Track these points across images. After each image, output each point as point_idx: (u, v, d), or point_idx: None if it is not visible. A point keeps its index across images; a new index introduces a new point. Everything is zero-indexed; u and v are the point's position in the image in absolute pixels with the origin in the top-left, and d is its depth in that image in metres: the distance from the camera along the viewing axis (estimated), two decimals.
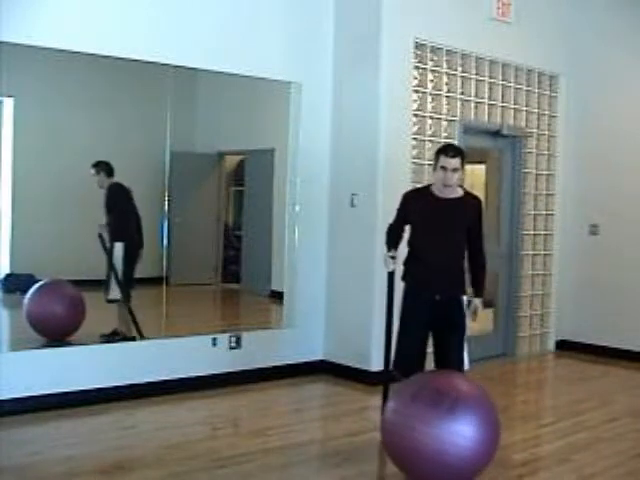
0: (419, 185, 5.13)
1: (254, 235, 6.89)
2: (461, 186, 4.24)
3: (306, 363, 5.85)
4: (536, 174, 7.04)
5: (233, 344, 5.49)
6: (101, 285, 5.57)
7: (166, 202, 5.57)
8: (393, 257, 4.20)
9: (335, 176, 5.91)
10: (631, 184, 6.87)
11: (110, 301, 5.48)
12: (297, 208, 5.83)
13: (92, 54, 4.77)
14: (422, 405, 3.45)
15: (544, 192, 7.12)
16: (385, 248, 4.29)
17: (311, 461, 4.10)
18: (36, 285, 5.25)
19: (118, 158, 5.81)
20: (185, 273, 6.25)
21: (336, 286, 5.89)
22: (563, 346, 7.18)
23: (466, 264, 4.26)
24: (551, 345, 7.22)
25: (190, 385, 5.20)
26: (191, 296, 6.52)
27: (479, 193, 8.11)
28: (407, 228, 4.27)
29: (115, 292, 5.44)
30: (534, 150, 7.00)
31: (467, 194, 4.20)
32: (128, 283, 5.55)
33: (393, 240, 4.28)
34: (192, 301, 6.56)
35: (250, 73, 5.49)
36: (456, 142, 5.99)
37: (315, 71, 5.84)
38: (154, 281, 5.57)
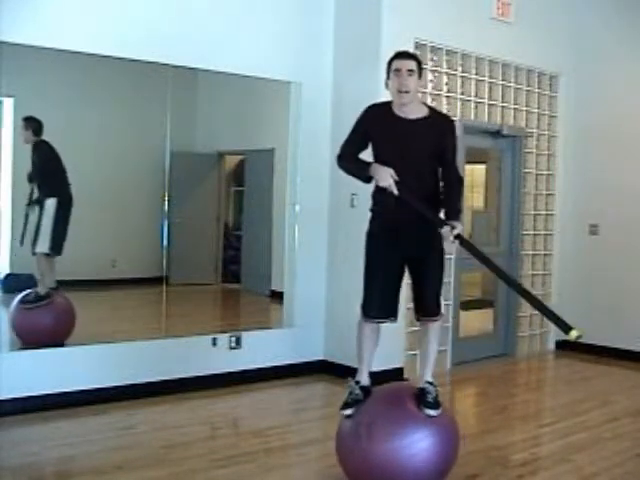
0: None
1: (254, 235, 6.89)
2: (425, 104, 3.72)
3: (306, 363, 5.85)
4: (536, 174, 7.05)
5: (233, 344, 5.49)
6: (101, 285, 5.57)
7: (166, 202, 5.57)
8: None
9: (335, 176, 5.90)
10: (631, 184, 6.87)
11: (35, 254, 5.25)
12: (297, 208, 5.83)
13: (92, 54, 4.77)
14: (351, 441, 3.47)
15: (544, 192, 7.13)
16: (363, 175, 3.56)
17: (311, 461, 4.10)
18: (19, 295, 5.16)
19: (118, 158, 5.82)
20: (185, 273, 6.24)
21: (336, 286, 5.89)
22: (563, 346, 7.17)
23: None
24: (551, 345, 7.22)
25: (190, 385, 5.20)
26: (191, 296, 6.52)
27: (479, 193, 8.21)
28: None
29: (43, 246, 5.26)
30: (534, 150, 7.00)
31: (434, 112, 3.62)
32: (60, 241, 5.27)
33: (356, 160, 3.58)
34: (192, 301, 6.55)
35: (250, 73, 5.49)
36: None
37: (315, 71, 5.84)
38: (154, 281, 5.58)
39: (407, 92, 3.45)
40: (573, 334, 3.08)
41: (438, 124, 3.56)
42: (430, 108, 3.63)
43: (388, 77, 3.53)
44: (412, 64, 3.48)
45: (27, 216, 5.22)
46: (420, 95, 5.84)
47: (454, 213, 3.55)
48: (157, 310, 5.68)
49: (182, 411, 4.85)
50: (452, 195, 3.60)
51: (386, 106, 3.56)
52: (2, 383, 4.43)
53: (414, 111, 3.51)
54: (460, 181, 3.67)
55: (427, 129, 3.51)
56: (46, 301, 5.18)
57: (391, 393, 3.74)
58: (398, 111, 3.51)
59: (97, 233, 5.66)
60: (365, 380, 3.63)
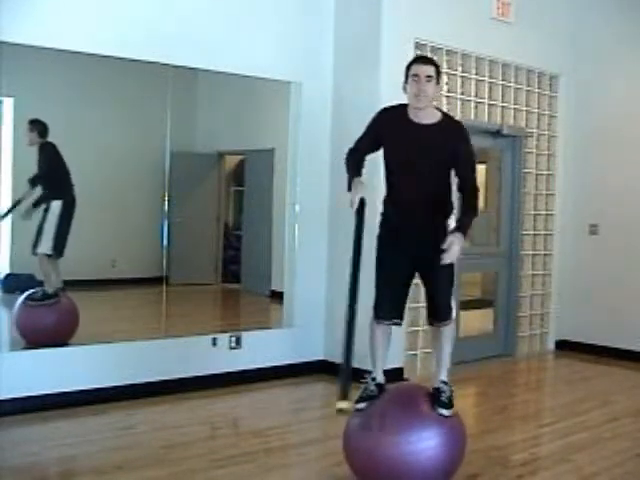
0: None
1: (254, 235, 6.89)
2: (439, 109, 3.70)
3: (306, 363, 5.85)
4: (536, 174, 7.05)
5: (233, 344, 5.49)
6: (101, 285, 5.57)
7: (166, 202, 5.57)
8: (361, 184, 3.43)
9: (335, 176, 5.90)
10: (631, 184, 6.87)
11: (36, 254, 5.25)
12: (297, 208, 5.83)
13: (92, 54, 4.77)
14: (362, 432, 3.50)
15: (544, 192, 7.13)
16: (348, 182, 3.50)
17: (311, 461, 4.10)
18: (26, 293, 5.17)
19: (118, 158, 5.82)
20: (185, 273, 6.25)
21: (336, 286, 5.88)
22: (563, 346, 7.18)
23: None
24: (551, 345, 7.22)
25: (190, 385, 5.20)
26: (191, 296, 6.52)
27: (479, 193, 8.20)
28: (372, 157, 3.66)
29: (46, 247, 5.25)
30: (534, 150, 7.00)
31: (446, 117, 3.63)
32: (63, 242, 5.27)
33: (356, 167, 3.56)
34: (192, 301, 6.56)
35: (250, 73, 5.49)
36: None
37: (315, 71, 5.84)
38: (154, 281, 5.58)
39: (427, 96, 3.46)
40: (342, 405, 3.15)
41: (448, 129, 3.57)
42: (444, 114, 3.64)
43: (406, 81, 3.53)
44: (431, 70, 3.49)
45: (8, 213, 5.19)
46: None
47: (457, 227, 3.45)
48: (157, 310, 5.68)
49: (182, 411, 4.85)
50: (465, 217, 3.50)
51: (401, 110, 3.57)
52: (2, 383, 4.43)
53: (428, 116, 3.53)
54: (475, 208, 3.56)
55: (437, 134, 3.52)
56: (53, 300, 5.19)
57: (404, 391, 3.82)
58: (413, 116, 3.52)
59: (97, 233, 5.66)
60: (380, 378, 3.70)
